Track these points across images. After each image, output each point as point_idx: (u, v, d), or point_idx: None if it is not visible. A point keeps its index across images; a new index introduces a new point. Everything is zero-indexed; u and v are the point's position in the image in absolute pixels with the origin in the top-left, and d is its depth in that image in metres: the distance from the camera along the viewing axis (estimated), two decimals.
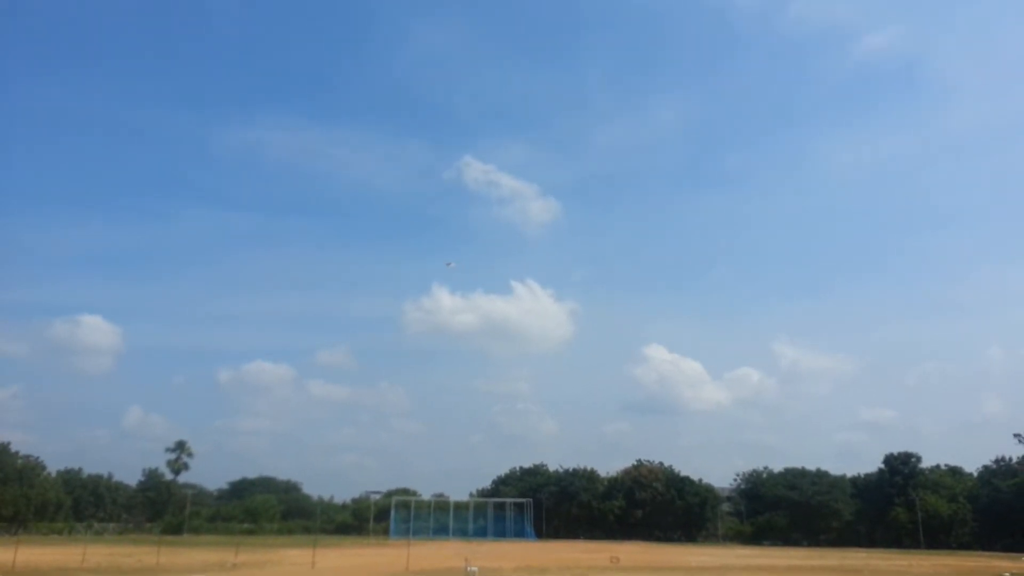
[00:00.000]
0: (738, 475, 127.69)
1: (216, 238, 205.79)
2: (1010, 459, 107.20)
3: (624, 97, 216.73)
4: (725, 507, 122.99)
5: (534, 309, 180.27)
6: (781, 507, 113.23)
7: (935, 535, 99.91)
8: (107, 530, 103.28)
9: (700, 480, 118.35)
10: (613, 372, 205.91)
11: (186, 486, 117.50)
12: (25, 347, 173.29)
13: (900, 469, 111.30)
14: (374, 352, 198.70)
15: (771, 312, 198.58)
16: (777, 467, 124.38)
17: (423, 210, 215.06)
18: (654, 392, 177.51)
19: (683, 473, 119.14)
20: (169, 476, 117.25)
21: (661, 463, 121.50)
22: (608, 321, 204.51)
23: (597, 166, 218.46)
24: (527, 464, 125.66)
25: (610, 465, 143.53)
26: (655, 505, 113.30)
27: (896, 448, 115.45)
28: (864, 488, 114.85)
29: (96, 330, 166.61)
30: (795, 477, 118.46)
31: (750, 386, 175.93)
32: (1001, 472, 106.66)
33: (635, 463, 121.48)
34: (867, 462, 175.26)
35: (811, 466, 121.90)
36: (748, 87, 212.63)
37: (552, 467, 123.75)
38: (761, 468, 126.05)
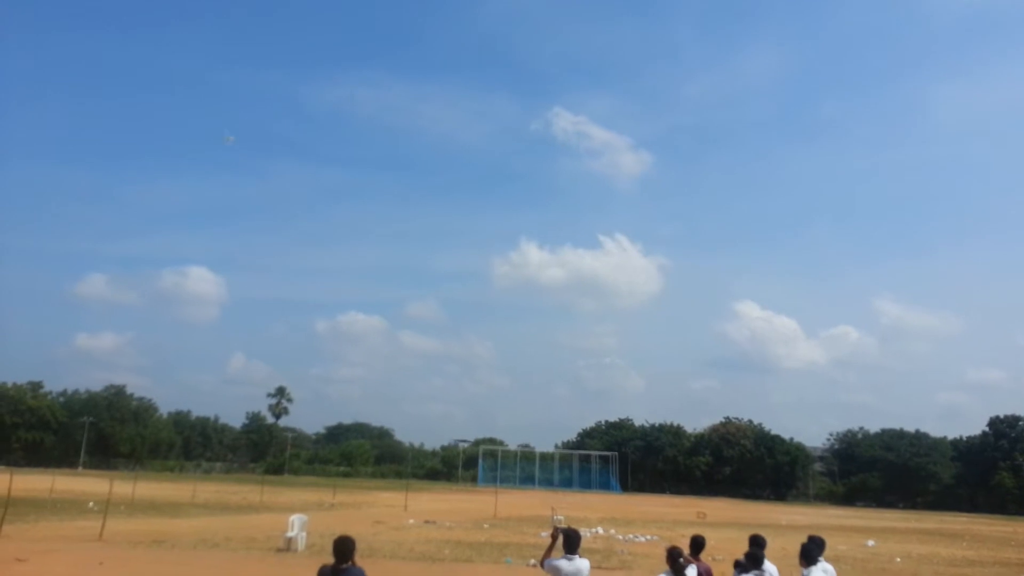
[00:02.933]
0: (831, 435, 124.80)
1: (311, 193, 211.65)
2: None
3: (716, 46, 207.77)
4: (817, 467, 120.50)
5: (622, 264, 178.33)
6: (876, 468, 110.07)
7: None
8: (214, 469, 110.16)
9: (791, 439, 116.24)
10: (702, 328, 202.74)
11: (286, 429, 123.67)
12: (137, 297, 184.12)
13: (1006, 432, 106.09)
14: (462, 305, 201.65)
15: (872, 269, 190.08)
16: (873, 428, 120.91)
17: (510, 164, 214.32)
18: (745, 349, 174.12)
19: (773, 432, 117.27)
20: (270, 420, 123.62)
21: (750, 421, 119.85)
22: (698, 277, 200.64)
23: (688, 118, 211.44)
24: (612, 418, 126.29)
25: (697, 422, 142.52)
26: (743, 462, 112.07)
27: (1003, 411, 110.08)
28: (966, 451, 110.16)
29: (202, 280, 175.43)
30: (892, 438, 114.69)
31: (848, 344, 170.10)
32: None
33: (723, 420, 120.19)
34: (970, 424, 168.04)
35: (910, 427, 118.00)
36: (851, 30, 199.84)
37: (638, 422, 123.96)
38: (856, 428, 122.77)
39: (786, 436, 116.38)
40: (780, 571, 9.35)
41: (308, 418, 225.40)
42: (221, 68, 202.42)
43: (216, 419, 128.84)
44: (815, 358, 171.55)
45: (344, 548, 6.44)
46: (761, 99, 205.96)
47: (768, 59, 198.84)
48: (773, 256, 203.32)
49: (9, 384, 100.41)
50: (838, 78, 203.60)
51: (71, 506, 33.00)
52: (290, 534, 21.13)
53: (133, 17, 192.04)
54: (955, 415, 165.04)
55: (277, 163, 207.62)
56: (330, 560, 6.52)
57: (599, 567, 18.40)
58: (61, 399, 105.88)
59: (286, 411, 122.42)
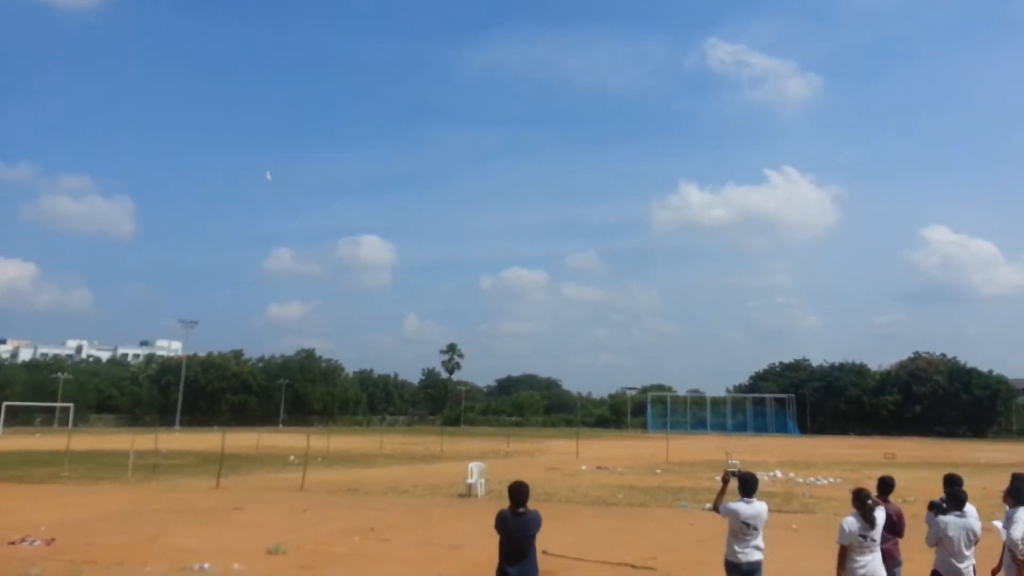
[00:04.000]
0: None
1: (467, 156, 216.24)
2: None
3: None
4: (1021, 400, 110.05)
5: (792, 197, 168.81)
6: None
7: None
8: (397, 422, 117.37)
9: (991, 371, 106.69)
10: (885, 259, 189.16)
11: (460, 383, 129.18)
12: (320, 267, 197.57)
13: None
14: (623, 254, 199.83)
15: None
16: None
17: (665, 105, 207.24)
18: (935, 278, 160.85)
19: (970, 365, 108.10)
20: (444, 375, 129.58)
21: (943, 355, 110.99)
22: (879, 204, 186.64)
23: (860, 33, 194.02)
24: (787, 359, 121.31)
25: (881, 359, 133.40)
26: (935, 399, 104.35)
27: None
28: None
29: (375, 248, 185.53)
30: None
31: None
32: None
33: (912, 355, 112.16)
34: None
35: None
36: None
37: (815, 362, 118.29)
38: None
39: (985, 369, 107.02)
40: (980, 512, 8.72)
41: (479, 372, 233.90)
42: (373, 44, 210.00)
43: (396, 376, 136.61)
44: (1017, 282, 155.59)
45: (519, 493, 6.71)
46: (945, 1, 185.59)
47: None
48: (966, 175, 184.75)
49: (215, 353, 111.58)
50: None
51: (275, 460, 36.40)
52: (470, 480, 22.21)
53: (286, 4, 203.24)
54: None
55: (433, 130, 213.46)
56: (507, 504, 6.81)
57: (779, 511, 17.96)
58: (260, 364, 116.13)
59: (458, 366, 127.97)
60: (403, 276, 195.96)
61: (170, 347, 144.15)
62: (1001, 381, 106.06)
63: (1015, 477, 7.88)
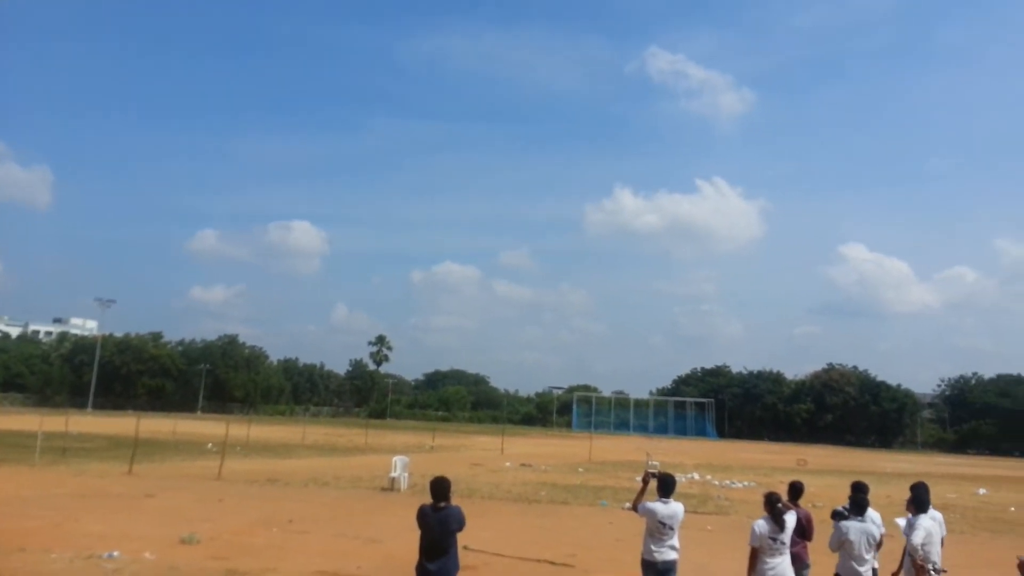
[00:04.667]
0: (942, 381, 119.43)
1: (406, 146, 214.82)
2: None
3: None
4: (926, 414, 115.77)
5: (721, 208, 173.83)
6: (990, 415, 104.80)
7: None
8: (322, 413, 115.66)
9: (898, 385, 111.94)
10: (805, 273, 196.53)
11: (387, 376, 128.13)
12: (247, 251, 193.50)
13: None
14: (556, 254, 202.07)
15: (995, 206, 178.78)
16: (988, 373, 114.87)
17: (605, 109, 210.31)
18: (851, 294, 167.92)
19: (879, 378, 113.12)
20: (372, 367, 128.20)
21: (855, 367, 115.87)
22: (803, 219, 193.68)
23: (795, 51, 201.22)
24: (709, 365, 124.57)
25: (798, 368, 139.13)
26: (847, 410, 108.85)
27: None
28: None
29: (306, 234, 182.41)
30: (1009, 384, 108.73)
31: (964, 287, 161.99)
32: None
33: (826, 367, 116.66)
34: None
35: None
36: None
37: (735, 369, 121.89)
38: (969, 374, 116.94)
39: (893, 383, 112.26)
40: (884, 519, 9.13)
41: (407, 366, 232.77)
42: (319, 27, 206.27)
43: (322, 366, 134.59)
44: (928, 301, 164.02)
45: (440, 488, 6.71)
46: (877, 27, 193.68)
47: None
48: (884, 195, 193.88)
49: (133, 335, 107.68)
50: None
51: (192, 447, 35.41)
52: (394, 474, 22.06)
53: None
54: None
55: (375, 118, 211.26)
56: (430, 499, 6.80)
57: (695, 512, 18.44)
58: (179, 348, 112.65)
59: (386, 358, 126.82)
60: (334, 265, 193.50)
61: (85, 326, 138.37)
62: (908, 395, 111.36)
63: (917, 486, 8.28)
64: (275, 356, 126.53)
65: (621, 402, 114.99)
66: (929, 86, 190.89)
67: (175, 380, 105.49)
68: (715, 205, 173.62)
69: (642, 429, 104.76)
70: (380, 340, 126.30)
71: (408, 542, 8.21)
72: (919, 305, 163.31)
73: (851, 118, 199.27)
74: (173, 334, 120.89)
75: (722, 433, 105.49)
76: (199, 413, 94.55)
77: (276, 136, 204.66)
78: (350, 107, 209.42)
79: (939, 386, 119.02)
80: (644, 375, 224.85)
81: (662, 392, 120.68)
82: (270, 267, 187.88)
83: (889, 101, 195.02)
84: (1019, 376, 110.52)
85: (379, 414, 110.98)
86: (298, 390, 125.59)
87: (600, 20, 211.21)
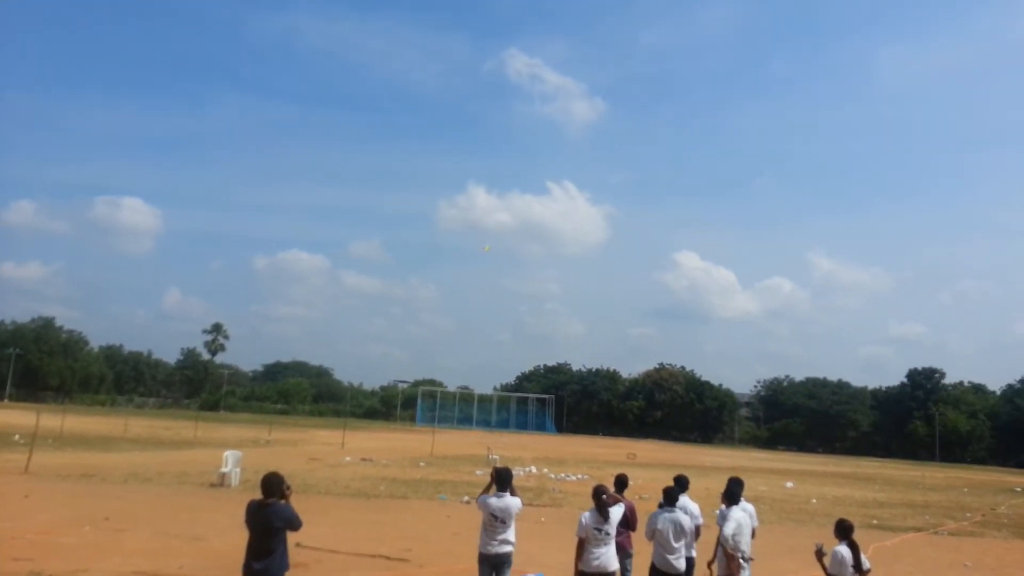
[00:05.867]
0: (759, 382, 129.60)
1: (254, 126, 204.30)
2: None
3: None
4: (743, 412, 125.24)
5: (569, 211, 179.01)
6: (799, 415, 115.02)
7: (951, 449, 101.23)
8: (147, 404, 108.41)
9: (720, 385, 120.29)
10: (643, 277, 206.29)
11: (222, 366, 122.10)
12: (67, 225, 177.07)
13: (923, 384, 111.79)
14: (407, 247, 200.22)
15: (810, 224, 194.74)
16: (799, 376, 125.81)
17: (462, 106, 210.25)
18: (683, 299, 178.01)
19: (704, 378, 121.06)
20: (206, 356, 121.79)
21: (683, 367, 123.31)
22: (643, 226, 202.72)
23: (643, 67, 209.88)
24: (551, 363, 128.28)
25: (633, 367, 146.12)
26: (674, 407, 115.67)
27: (921, 364, 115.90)
28: (884, 400, 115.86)
29: (136, 212, 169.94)
30: (815, 387, 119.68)
31: (781, 296, 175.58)
32: None
33: (657, 366, 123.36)
34: (890, 376, 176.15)
35: (833, 377, 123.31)
36: None
37: (575, 367, 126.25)
38: (782, 377, 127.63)
39: (716, 383, 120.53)
40: (703, 509, 9.81)
41: (245, 356, 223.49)
42: None
43: (149, 354, 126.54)
44: (749, 309, 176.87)
45: (269, 484, 6.48)
46: (715, 52, 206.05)
47: (723, 11, 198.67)
48: (716, 208, 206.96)
49: None
50: (789, 35, 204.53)
51: None
52: (224, 470, 21.11)
53: None
54: (877, 367, 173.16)
55: (221, 94, 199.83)
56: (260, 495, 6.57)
57: (531, 504, 18.94)
58: None
59: (222, 348, 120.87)
60: (168, 246, 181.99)
61: None
62: (728, 394, 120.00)
63: (730, 480, 8.96)
64: (97, 342, 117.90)
65: (465, 397, 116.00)
66: (757, 110, 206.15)
67: None
68: (564, 208, 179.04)
69: (485, 424, 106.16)
70: (216, 328, 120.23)
71: (236, 541, 7.90)
72: (741, 312, 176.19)
73: (689, 134, 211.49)
74: None
75: (561, 428, 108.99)
76: (6, 401, 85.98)
77: (110, 106, 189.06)
78: (194, 81, 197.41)
79: (755, 387, 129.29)
80: (490, 370, 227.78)
81: (506, 388, 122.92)
82: (95, 245, 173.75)
83: (722, 121, 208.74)
84: (824, 380, 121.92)
85: (212, 406, 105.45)
86: (121, 379, 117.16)
87: (461, 16, 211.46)
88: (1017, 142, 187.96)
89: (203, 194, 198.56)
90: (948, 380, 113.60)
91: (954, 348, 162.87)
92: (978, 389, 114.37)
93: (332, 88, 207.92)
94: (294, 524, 6.42)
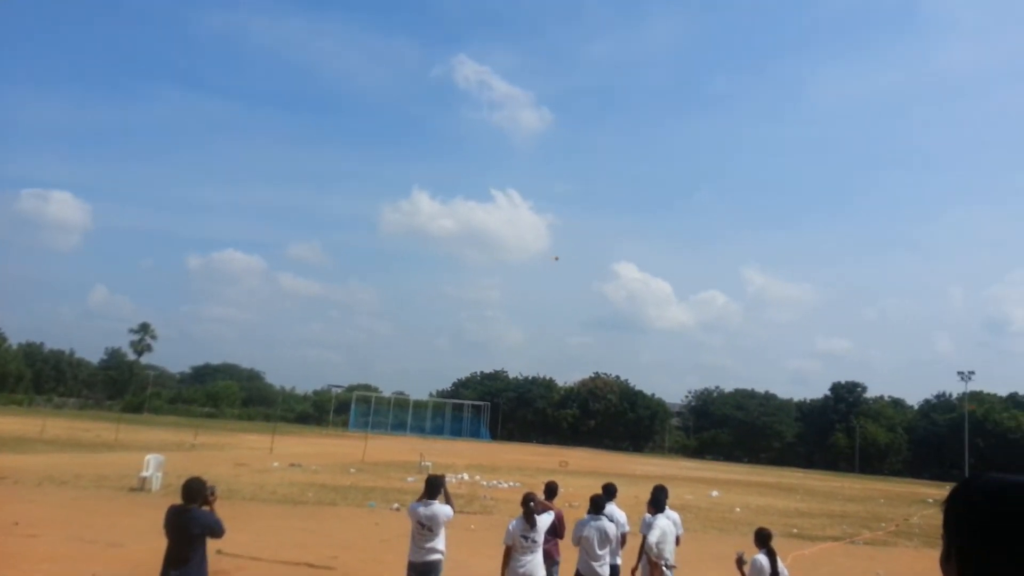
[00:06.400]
0: (690, 393, 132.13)
1: (193, 123, 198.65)
2: (950, 395, 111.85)
3: (619, 10, 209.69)
4: (674, 422, 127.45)
5: (513, 219, 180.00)
6: (727, 425, 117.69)
7: (870, 461, 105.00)
8: (67, 404, 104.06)
9: (653, 395, 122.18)
10: (583, 287, 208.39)
11: (148, 367, 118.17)
12: None
13: (845, 397, 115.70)
14: (347, 250, 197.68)
15: (745, 239, 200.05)
16: (728, 387, 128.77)
17: (408, 110, 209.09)
18: (621, 309, 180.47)
19: (638, 388, 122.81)
20: (132, 357, 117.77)
21: (618, 377, 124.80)
22: (584, 236, 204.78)
23: (589, 80, 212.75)
24: (488, 370, 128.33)
25: (569, 376, 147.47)
26: (607, 416, 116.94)
27: (845, 378, 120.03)
28: (809, 412, 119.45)
29: (65, 206, 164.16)
30: (743, 398, 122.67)
31: (715, 309, 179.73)
32: (940, 407, 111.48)
33: (593, 375, 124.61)
34: (815, 389, 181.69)
35: (761, 389, 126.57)
36: (746, 11, 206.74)
37: (512, 374, 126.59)
38: (712, 387, 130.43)
39: (649, 392, 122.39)
40: (632, 517, 9.98)
41: (173, 357, 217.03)
42: None
43: (71, 353, 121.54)
44: (684, 320, 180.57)
45: (189, 489, 6.35)
46: (659, 67, 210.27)
47: (668, 29, 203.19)
48: (656, 220, 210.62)
49: None
50: (730, 54, 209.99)
51: None
52: (145, 474, 20.47)
53: None
54: (803, 380, 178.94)
55: (159, 88, 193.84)
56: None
57: (462, 512, 18.88)
58: None
59: (149, 348, 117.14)
60: (97, 242, 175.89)
61: None
62: (660, 404, 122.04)
63: (655, 489, 9.14)
64: (15, 339, 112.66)
65: (400, 403, 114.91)
66: (698, 126, 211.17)
67: None
68: (507, 216, 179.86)
69: (419, 430, 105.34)
70: (144, 328, 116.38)
71: (155, 547, 7.67)
72: (676, 323, 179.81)
73: (632, 147, 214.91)
74: None
75: (496, 435, 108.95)
76: None
77: (41, 96, 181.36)
78: (131, 74, 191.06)
79: (687, 397, 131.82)
80: (427, 376, 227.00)
81: (442, 394, 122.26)
82: (17, 239, 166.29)
83: (665, 135, 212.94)
84: (752, 391, 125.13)
85: (136, 408, 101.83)
86: (41, 378, 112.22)
87: (411, 20, 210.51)
88: (935, 164, 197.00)
89: (136, 190, 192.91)
90: (869, 394, 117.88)
91: (876, 363, 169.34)
92: (897, 403, 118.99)
93: (276, 87, 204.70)
94: (214, 531, 6.28)
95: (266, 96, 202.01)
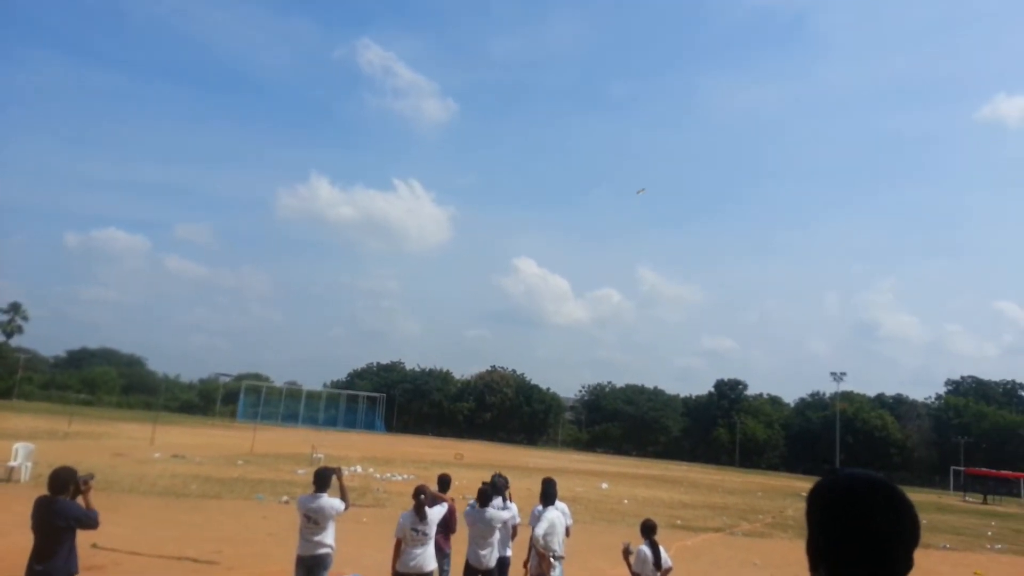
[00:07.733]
0: (583, 387, 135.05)
1: (74, 92, 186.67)
2: (824, 394, 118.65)
3: (524, 8, 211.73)
4: (568, 416, 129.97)
5: (414, 209, 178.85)
6: (617, 419, 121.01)
7: (749, 456, 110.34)
8: None
9: (548, 389, 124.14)
10: (482, 280, 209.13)
11: (19, 350, 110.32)
12: None
13: (728, 394, 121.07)
14: (240, 234, 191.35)
15: (640, 239, 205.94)
16: (620, 383, 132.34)
17: (307, 91, 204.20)
18: (519, 303, 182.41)
19: (533, 382, 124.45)
20: (0, 339, 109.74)
21: (514, 370, 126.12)
22: (485, 230, 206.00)
23: (493, 74, 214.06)
24: (385, 361, 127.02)
25: (466, 369, 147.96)
26: (503, 409, 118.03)
27: (728, 375, 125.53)
28: (694, 408, 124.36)
29: None
30: (633, 393, 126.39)
31: (610, 306, 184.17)
32: (814, 405, 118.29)
33: (489, 368, 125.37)
34: (701, 385, 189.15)
35: (651, 384, 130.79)
36: (644, 19, 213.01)
37: (409, 366, 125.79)
38: (605, 382, 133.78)
39: (544, 386, 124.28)
40: (523, 509, 10.14)
41: (47, 340, 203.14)
42: None
43: None
44: (580, 316, 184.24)
45: (56, 479, 6.03)
46: (562, 67, 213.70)
47: (572, 31, 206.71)
48: (556, 217, 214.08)
49: None
50: (628, 60, 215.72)
51: None
52: (13, 463, 19.26)
53: None
54: (689, 376, 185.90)
55: (38, 51, 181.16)
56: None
57: (354, 505, 18.60)
58: None
59: (20, 329, 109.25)
60: None
61: None
62: (555, 398, 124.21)
63: (544, 481, 9.33)
64: None
65: (292, 393, 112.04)
66: (597, 126, 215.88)
67: None
68: (409, 206, 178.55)
69: (312, 421, 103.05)
70: (14, 308, 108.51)
71: (22, 540, 7.24)
72: (572, 319, 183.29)
73: (534, 142, 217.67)
74: None
75: (391, 427, 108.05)
76: None
77: None
78: (8, 38, 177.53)
79: (580, 391, 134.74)
80: (321, 366, 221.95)
81: (336, 385, 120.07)
82: None
83: (565, 133, 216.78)
84: (642, 387, 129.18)
85: (4, 393, 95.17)
86: None
87: (310, 2, 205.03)
88: (812, 176, 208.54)
89: (7, 160, 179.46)
90: (750, 392, 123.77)
91: (757, 362, 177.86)
92: (775, 401, 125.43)
93: (167, 60, 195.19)
94: (84, 523, 5.98)
95: (156, 68, 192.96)
